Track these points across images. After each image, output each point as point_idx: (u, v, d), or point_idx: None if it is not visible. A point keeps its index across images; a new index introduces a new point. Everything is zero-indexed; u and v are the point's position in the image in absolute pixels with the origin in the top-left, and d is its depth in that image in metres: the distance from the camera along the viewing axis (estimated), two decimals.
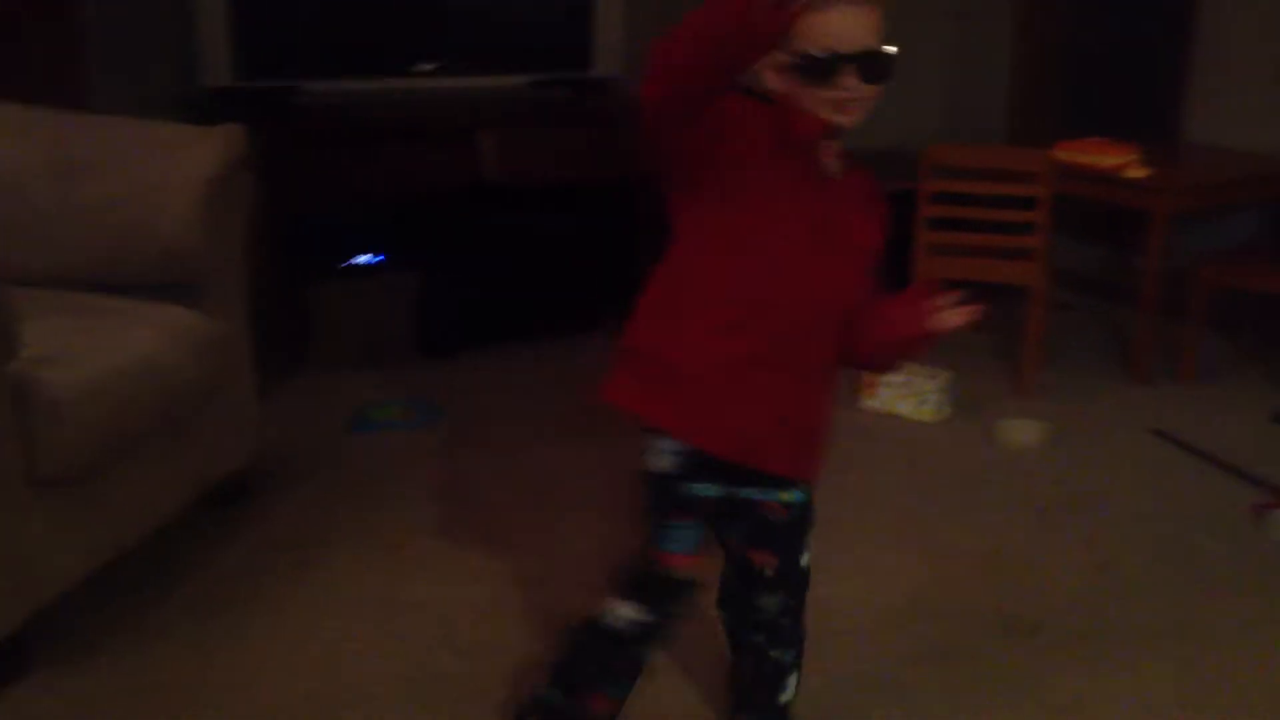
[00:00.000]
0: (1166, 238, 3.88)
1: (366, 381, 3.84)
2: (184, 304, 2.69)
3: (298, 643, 2.46)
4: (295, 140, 3.75)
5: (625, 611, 1.87)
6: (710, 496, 1.82)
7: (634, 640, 1.89)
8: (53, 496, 2.29)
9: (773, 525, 1.89)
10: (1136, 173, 3.90)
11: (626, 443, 3.38)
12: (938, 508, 3.13)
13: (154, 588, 2.62)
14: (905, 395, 3.71)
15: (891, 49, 1.66)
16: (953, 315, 1.80)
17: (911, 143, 4.14)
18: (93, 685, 2.30)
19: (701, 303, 1.74)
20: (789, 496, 1.88)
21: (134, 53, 3.84)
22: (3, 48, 3.55)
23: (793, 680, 2.01)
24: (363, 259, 4.10)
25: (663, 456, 1.80)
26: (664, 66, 1.56)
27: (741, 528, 1.90)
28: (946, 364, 3.67)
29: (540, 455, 3.38)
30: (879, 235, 1.85)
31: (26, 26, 3.60)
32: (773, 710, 2.02)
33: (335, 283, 4.02)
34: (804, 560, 1.95)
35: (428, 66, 4.10)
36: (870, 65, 1.64)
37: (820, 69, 1.63)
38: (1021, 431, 3.54)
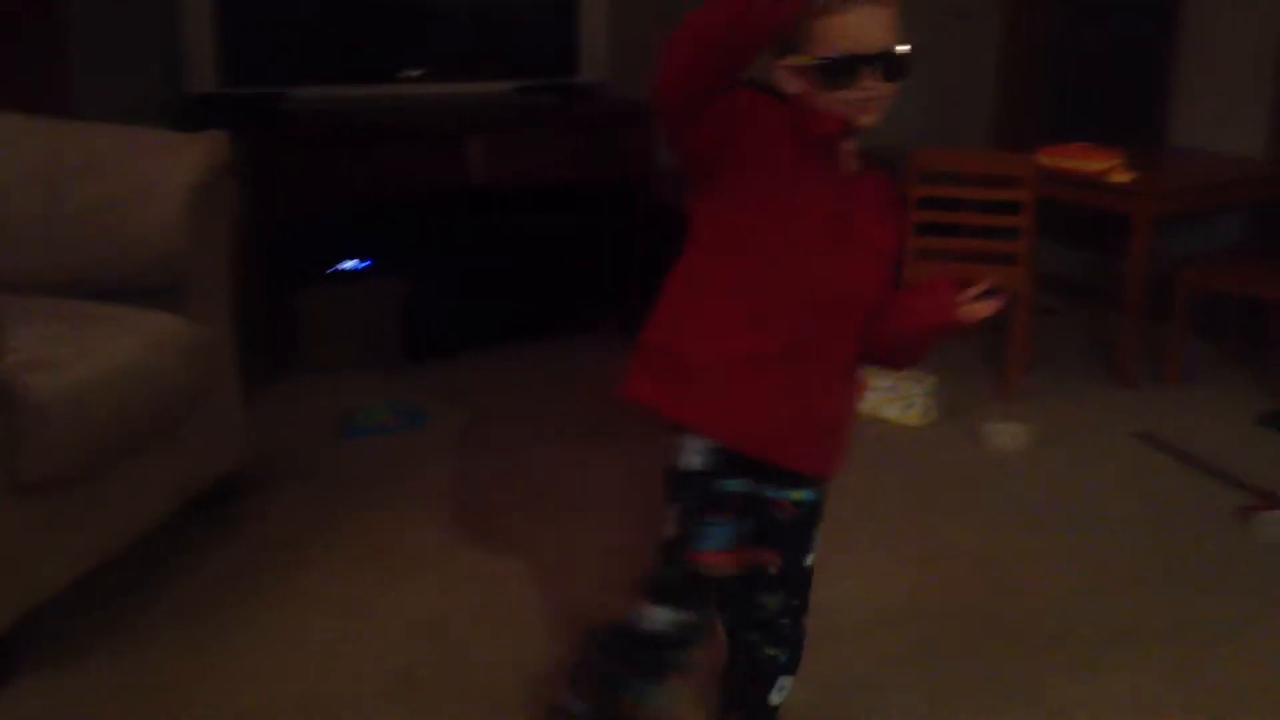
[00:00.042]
0: (1150, 241, 3.91)
1: (354, 386, 3.84)
2: (170, 309, 2.69)
3: (288, 645, 2.46)
4: (281, 146, 3.75)
5: (662, 615, 1.83)
6: (741, 492, 1.81)
7: (672, 643, 1.85)
8: (39, 501, 2.29)
9: (780, 523, 1.89)
10: (1120, 177, 3.92)
11: (619, 444, 3.42)
12: (925, 511, 3.14)
13: (143, 591, 2.62)
14: (892, 399, 3.71)
15: (906, 47, 1.68)
16: (978, 307, 1.81)
17: (896, 145, 4.14)
18: (82, 688, 2.29)
19: (721, 299, 1.74)
20: (800, 495, 1.87)
21: (120, 59, 3.83)
22: None
23: (787, 682, 1.99)
24: (349, 264, 4.09)
25: (692, 455, 1.78)
26: (669, 63, 1.58)
27: (750, 525, 1.88)
28: (932, 368, 3.68)
29: (530, 457, 3.38)
30: (897, 236, 1.86)
31: (11, 32, 3.59)
32: (762, 710, 2.01)
33: (322, 288, 4.02)
34: (808, 560, 1.94)
35: (414, 72, 4.10)
36: (891, 64, 1.67)
37: (843, 70, 1.65)
38: (1007, 435, 3.55)
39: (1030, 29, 5.18)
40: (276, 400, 3.71)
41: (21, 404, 2.20)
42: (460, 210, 4.12)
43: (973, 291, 1.81)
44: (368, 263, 4.13)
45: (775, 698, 2.00)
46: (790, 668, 1.99)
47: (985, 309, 1.81)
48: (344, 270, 4.09)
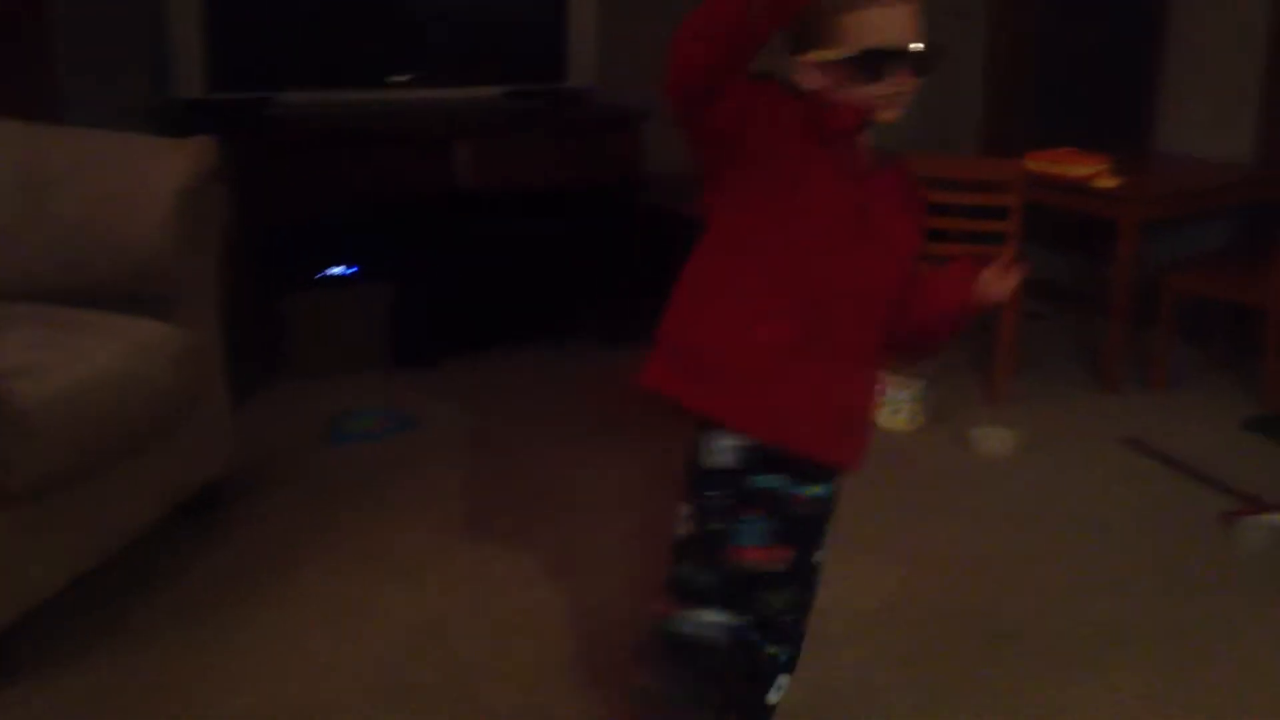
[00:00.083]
0: (1136, 247, 3.92)
1: (342, 392, 3.84)
2: (156, 315, 2.69)
3: (287, 647, 2.47)
4: (269, 151, 3.75)
5: (710, 617, 1.81)
6: (771, 489, 1.79)
7: (730, 647, 1.82)
8: (25, 508, 2.28)
9: (797, 519, 1.85)
10: (1107, 183, 3.94)
11: (611, 446, 3.43)
12: (912, 516, 3.14)
13: (132, 597, 2.62)
14: (879, 404, 3.72)
15: (920, 45, 1.70)
16: (998, 284, 1.83)
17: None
18: (71, 694, 2.29)
19: (738, 292, 1.74)
20: (817, 489, 1.85)
21: (107, 64, 3.82)
22: None
23: (785, 681, 1.96)
24: (338, 269, 4.09)
25: (723, 452, 1.76)
26: (679, 51, 1.59)
27: (776, 521, 1.84)
28: (919, 373, 3.69)
29: (522, 459, 3.39)
30: (917, 229, 1.86)
31: None
32: (760, 710, 2.00)
33: (310, 293, 4.02)
34: (817, 556, 1.91)
35: (402, 78, 4.10)
36: (921, 60, 1.69)
37: (877, 64, 1.67)
38: (994, 440, 3.56)
39: (1017, 35, 5.19)
40: (265, 406, 3.71)
41: (6, 411, 2.20)
42: (448, 215, 4.12)
43: (996, 266, 1.83)
44: (356, 268, 4.13)
45: (773, 696, 1.98)
46: (789, 666, 1.97)
47: (1010, 281, 1.83)
48: (332, 275, 4.09)
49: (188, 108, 3.77)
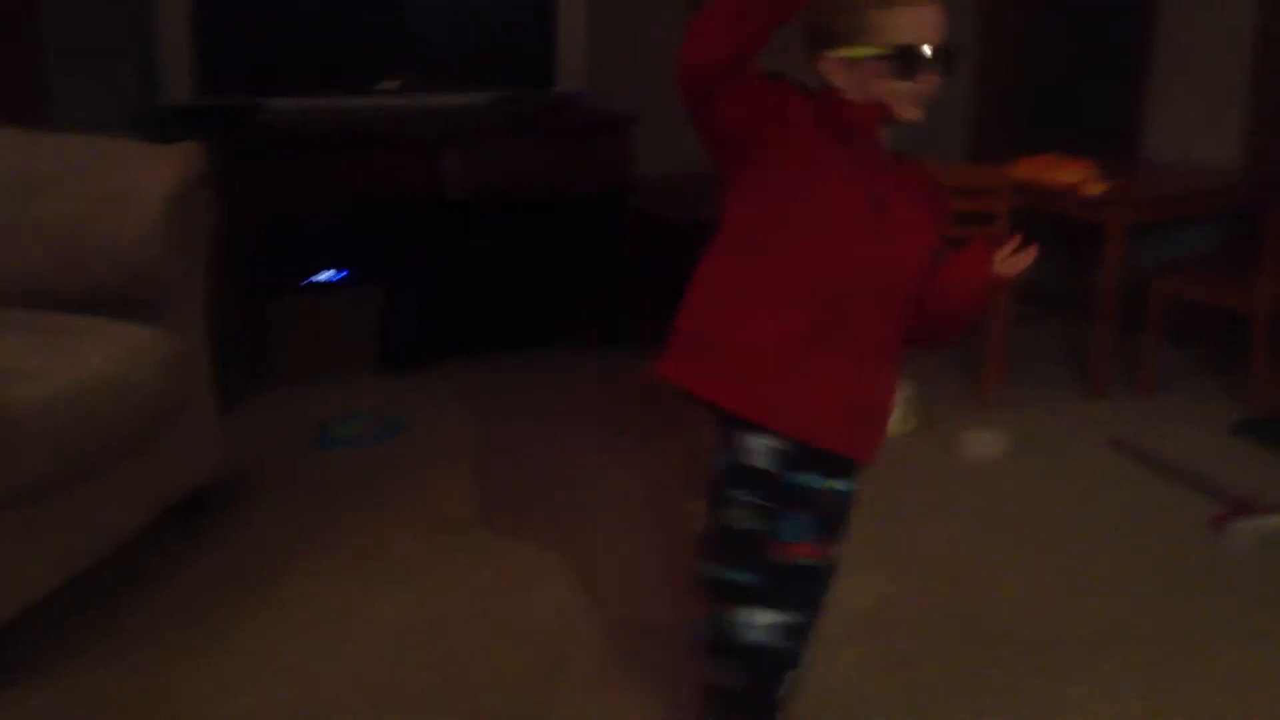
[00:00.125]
0: (1124, 251, 3.93)
1: (330, 397, 3.83)
2: (145, 320, 2.69)
3: (275, 651, 2.46)
4: (257, 157, 3.75)
5: (762, 618, 1.81)
6: (806, 485, 1.79)
7: (781, 652, 1.83)
8: (20, 510, 2.28)
9: (829, 514, 1.86)
10: (1094, 189, 3.95)
11: (604, 449, 3.42)
12: (901, 519, 3.14)
13: (120, 602, 2.61)
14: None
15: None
16: (1014, 261, 1.85)
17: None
18: (69, 694, 2.29)
19: (758, 287, 1.75)
20: (840, 484, 1.84)
21: (95, 70, 3.82)
22: None
23: (789, 676, 1.98)
24: (325, 275, 4.09)
25: (757, 451, 1.76)
26: (697, 30, 1.60)
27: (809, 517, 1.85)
28: (907, 376, 3.69)
29: (513, 463, 3.39)
30: (935, 224, 1.88)
31: None
32: (767, 705, 1.99)
33: (298, 298, 4.01)
34: (836, 550, 1.90)
35: (391, 84, 4.10)
36: (949, 59, 1.72)
37: (912, 62, 1.70)
38: (982, 443, 3.57)
39: (1005, 40, 5.20)
40: (252, 411, 3.70)
41: (1, 415, 2.20)
42: (436, 220, 4.12)
43: (1008, 247, 1.85)
44: (344, 273, 4.12)
45: (780, 691, 1.98)
46: (794, 662, 1.98)
47: (1023, 261, 1.85)
48: (320, 281, 4.09)
49: (176, 113, 3.76)
